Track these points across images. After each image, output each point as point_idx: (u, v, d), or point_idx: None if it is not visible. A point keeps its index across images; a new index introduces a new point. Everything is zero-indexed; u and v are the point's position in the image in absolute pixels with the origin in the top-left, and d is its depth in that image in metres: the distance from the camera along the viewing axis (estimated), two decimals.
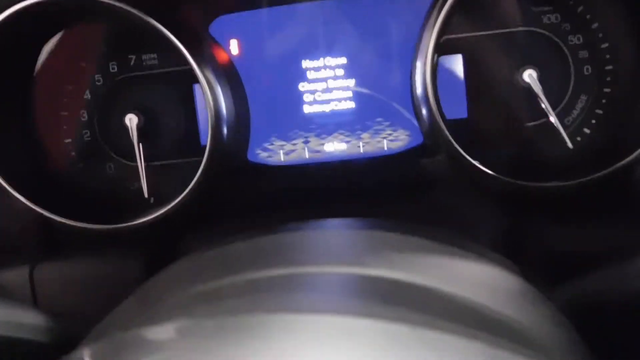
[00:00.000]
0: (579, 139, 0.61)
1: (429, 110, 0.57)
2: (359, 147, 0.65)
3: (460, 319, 0.29)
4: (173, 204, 0.59)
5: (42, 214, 0.58)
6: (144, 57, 0.63)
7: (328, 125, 0.64)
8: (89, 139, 0.64)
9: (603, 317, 0.43)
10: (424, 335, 0.26)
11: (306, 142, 0.65)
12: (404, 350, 0.25)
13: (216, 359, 0.25)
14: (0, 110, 0.60)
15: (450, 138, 0.57)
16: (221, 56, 0.62)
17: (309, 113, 0.64)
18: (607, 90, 0.61)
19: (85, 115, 0.64)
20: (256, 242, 0.38)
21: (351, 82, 0.64)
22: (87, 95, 0.64)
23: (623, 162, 0.54)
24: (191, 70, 0.57)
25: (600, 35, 0.59)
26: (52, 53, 0.62)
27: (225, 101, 0.59)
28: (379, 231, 0.40)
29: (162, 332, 0.29)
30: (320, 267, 0.33)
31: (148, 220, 0.59)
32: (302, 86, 0.64)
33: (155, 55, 0.63)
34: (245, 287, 0.31)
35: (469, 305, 0.31)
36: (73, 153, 0.64)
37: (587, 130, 0.61)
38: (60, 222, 0.58)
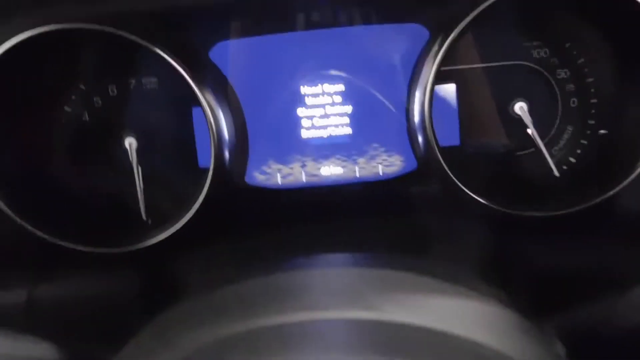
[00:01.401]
0: (565, 167, 0.64)
1: (426, 137, 0.60)
2: (355, 171, 0.66)
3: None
4: (175, 227, 0.59)
5: (39, 235, 0.57)
6: (143, 80, 0.63)
7: (325, 149, 0.66)
8: (87, 160, 0.64)
9: (595, 349, 0.45)
10: None
11: (303, 166, 0.66)
12: None
13: None
14: None
15: (445, 165, 0.59)
16: (221, 80, 0.63)
17: (307, 138, 0.66)
18: (591, 122, 0.64)
19: (84, 137, 0.64)
20: (266, 283, 0.40)
21: (348, 109, 0.65)
22: (86, 117, 0.64)
23: (606, 195, 0.57)
24: (191, 93, 0.58)
25: (586, 70, 0.63)
26: (51, 74, 0.62)
27: (226, 124, 0.60)
28: (374, 270, 0.42)
29: None
30: (321, 312, 0.35)
31: (147, 244, 0.60)
32: (301, 111, 0.65)
33: (155, 79, 0.63)
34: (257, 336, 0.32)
35: (467, 344, 0.33)
36: (71, 174, 0.64)
37: (572, 160, 0.65)
38: (58, 245, 0.58)
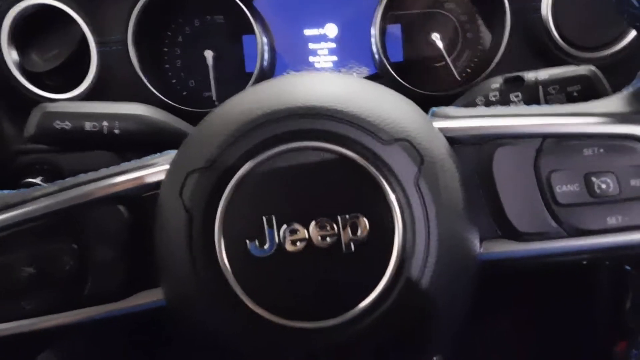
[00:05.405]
0: (464, 74, 1.08)
1: (379, 55, 1.03)
2: None
3: None
4: None
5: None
6: (215, 17, 1.07)
7: (322, 64, 1.10)
8: (181, 65, 1.09)
9: None
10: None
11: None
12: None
13: None
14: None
15: (391, 70, 1.03)
16: (261, 19, 1.07)
17: (312, 60, 1.10)
18: (480, 47, 1.07)
19: (178, 50, 1.08)
20: None
21: (336, 41, 1.09)
22: (180, 39, 1.08)
23: (478, 79, 1.01)
24: (246, 25, 1.02)
25: (476, 15, 1.06)
26: (171, 14, 1.06)
27: (267, 45, 1.04)
28: None
29: None
30: None
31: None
32: (308, 42, 1.09)
33: (222, 17, 1.07)
34: None
35: None
36: (180, 73, 1.09)
37: (468, 70, 1.08)
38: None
